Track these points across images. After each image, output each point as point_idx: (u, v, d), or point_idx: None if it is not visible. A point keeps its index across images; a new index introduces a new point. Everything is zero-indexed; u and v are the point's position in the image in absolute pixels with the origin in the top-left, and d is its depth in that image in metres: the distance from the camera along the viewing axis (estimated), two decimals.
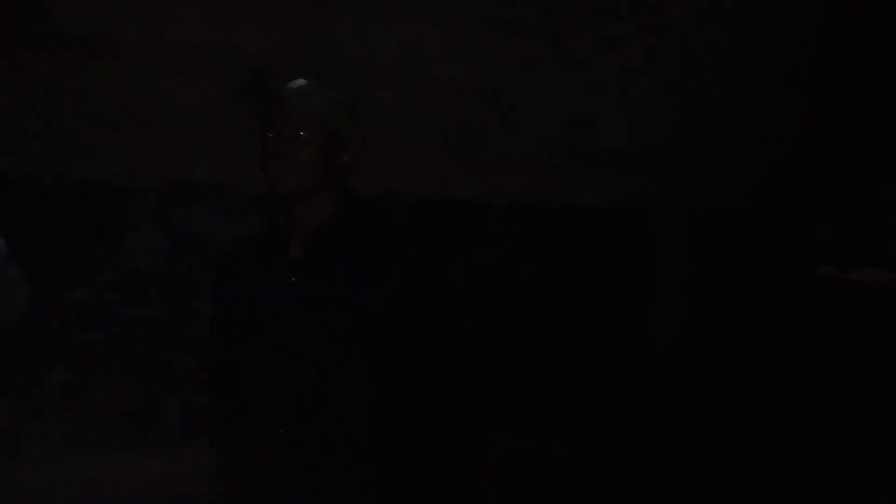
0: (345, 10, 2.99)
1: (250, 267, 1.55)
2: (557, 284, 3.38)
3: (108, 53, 2.63)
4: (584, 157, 3.43)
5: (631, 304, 3.54)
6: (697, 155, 3.68)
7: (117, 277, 2.66)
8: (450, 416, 1.52)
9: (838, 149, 4.03)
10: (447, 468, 1.51)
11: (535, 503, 3.30)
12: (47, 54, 2.55)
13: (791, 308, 4.01)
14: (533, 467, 3.28)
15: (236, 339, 1.53)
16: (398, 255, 1.49)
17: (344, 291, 1.47)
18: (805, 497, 3.67)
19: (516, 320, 3.30)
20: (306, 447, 1.46)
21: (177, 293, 2.72)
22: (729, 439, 3.78)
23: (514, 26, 3.28)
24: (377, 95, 3.03)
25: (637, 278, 3.54)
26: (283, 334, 1.48)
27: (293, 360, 1.47)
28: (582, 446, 3.40)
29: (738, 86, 3.74)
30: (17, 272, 1.83)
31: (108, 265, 2.65)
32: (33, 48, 2.55)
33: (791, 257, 3.99)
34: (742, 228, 3.85)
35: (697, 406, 3.71)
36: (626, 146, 3.51)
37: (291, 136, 1.46)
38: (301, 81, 1.49)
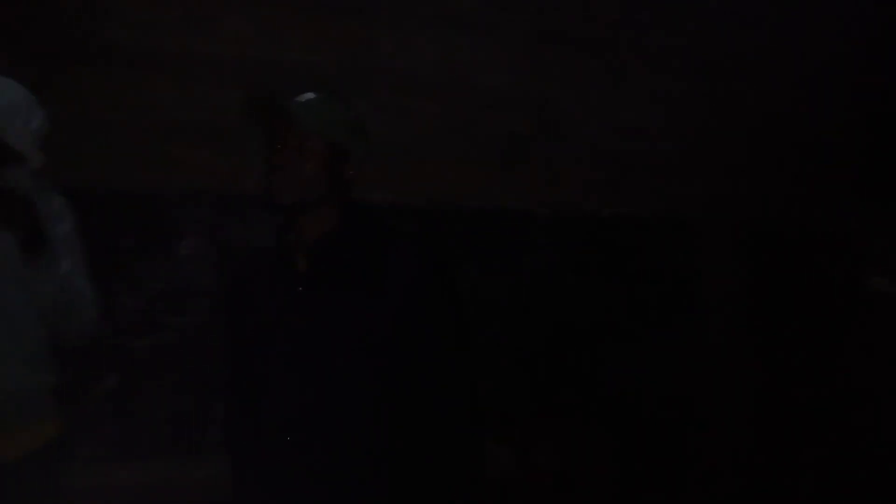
0: (389, 22, 3.01)
1: (260, 280, 1.58)
2: (602, 295, 3.35)
3: (160, 68, 2.70)
4: (629, 166, 3.40)
5: (678, 316, 3.49)
6: (744, 163, 3.63)
7: (167, 286, 2.72)
8: (459, 422, 1.50)
9: (891, 156, 3.93)
10: (458, 473, 1.49)
11: None
12: (102, 69, 2.63)
13: (843, 320, 3.92)
14: (579, 483, 3.25)
15: (249, 351, 1.56)
16: (404, 262, 1.50)
17: (349, 301, 1.48)
18: None
19: (560, 332, 3.28)
20: (316, 456, 1.47)
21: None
22: (779, 453, 3.70)
23: (557, 36, 3.27)
24: (421, 106, 3.05)
25: (684, 289, 3.50)
26: (291, 345, 1.50)
27: (301, 371, 1.49)
28: (628, 461, 3.36)
29: (786, 93, 3.68)
30: (91, 289, 1.89)
31: (158, 274, 2.70)
32: (89, 63, 2.62)
33: (842, 268, 3.90)
34: (791, 238, 3.78)
35: (747, 420, 3.64)
36: (672, 155, 3.48)
37: (294, 149, 1.48)
38: (309, 95, 1.51)
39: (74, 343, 1.94)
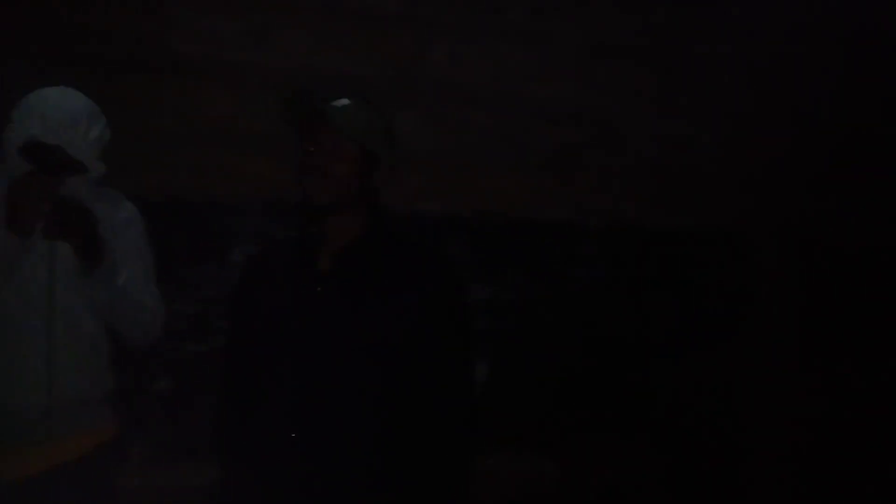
0: (441, 34, 3.03)
1: (276, 273, 1.60)
2: (652, 309, 3.31)
3: (218, 79, 2.75)
4: (682, 178, 3.36)
5: (729, 332, 3.43)
6: (800, 176, 3.55)
7: (219, 292, 2.76)
8: (455, 431, 1.54)
9: None
10: (443, 478, 1.54)
11: None
12: (162, 79, 2.69)
13: None
14: (625, 499, 3.21)
15: (254, 343, 1.57)
16: (424, 272, 1.55)
17: (368, 304, 1.51)
18: None
19: (608, 346, 3.25)
20: (319, 453, 1.49)
21: None
22: (831, 474, 3.61)
23: (609, 47, 3.25)
24: (471, 117, 3.06)
25: (735, 304, 3.43)
26: (303, 342, 1.51)
27: (311, 369, 1.50)
28: (676, 478, 3.31)
29: (847, 107, 3.59)
30: (155, 298, 1.93)
31: (211, 279, 2.75)
32: (147, 72, 2.68)
33: None
34: (846, 253, 3.68)
35: (798, 439, 3.56)
36: (727, 168, 3.42)
37: (330, 151, 1.51)
38: (343, 100, 1.54)
39: (138, 348, 1.99)
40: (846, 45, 3.61)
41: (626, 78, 3.28)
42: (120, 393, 2.02)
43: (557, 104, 3.17)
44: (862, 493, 3.64)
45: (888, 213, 3.72)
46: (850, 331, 3.70)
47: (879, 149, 3.70)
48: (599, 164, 3.24)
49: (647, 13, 3.29)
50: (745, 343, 3.45)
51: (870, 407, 3.73)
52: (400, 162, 1.63)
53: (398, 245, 1.60)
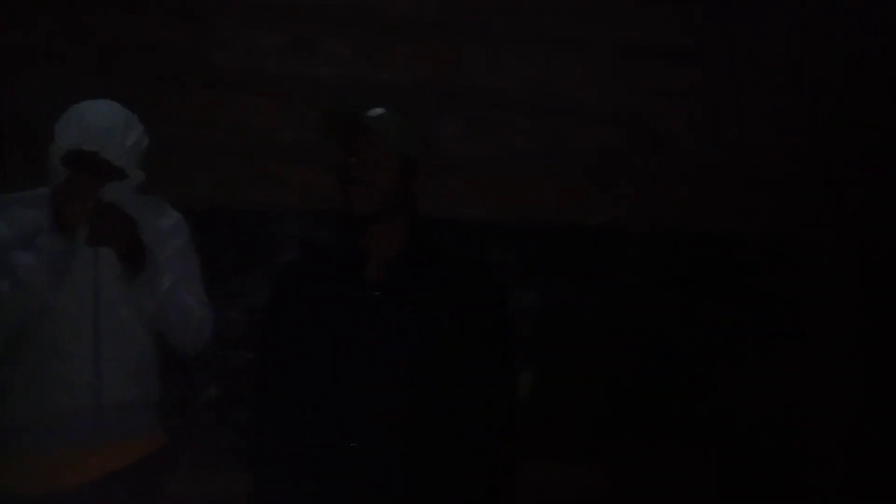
0: (480, 40, 3.04)
1: (319, 282, 1.59)
2: (700, 316, 3.24)
3: (262, 89, 2.80)
4: (728, 182, 3.30)
5: (781, 339, 3.34)
6: (853, 178, 3.46)
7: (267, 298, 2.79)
8: (501, 437, 1.57)
9: None
10: (496, 486, 1.56)
11: None
12: (204, 90, 2.74)
13: None
14: None
15: (300, 352, 1.56)
16: (469, 280, 1.58)
17: (423, 311, 1.53)
18: None
19: (656, 354, 3.20)
20: (381, 458, 1.49)
21: None
22: (887, 483, 3.50)
23: (651, 49, 3.21)
24: (512, 123, 3.05)
25: (787, 311, 3.35)
26: (360, 350, 1.52)
27: (369, 376, 1.51)
28: (726, 486, 3.24)
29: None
30: (202, 305, 1.96)
31: (258, 287, 2.78)
32: (194, 83, 2.74)
33: None
34: None
35: (855, 448, 3.46)
36: (774, 169, 3.35)
37: (372, 162, 1.52)
38: (380, 110, 1.55)
39: (187, 354, 2.02)
40: None
41: (668, 80, 3.24)
42: (170, 400, 2.05)
43: (599, 108, 3.14)
44: None
45: None
46: None
47: None
48: (643, 168, 3.20)
49: (688, 13, 3.25)
50: (801, 349, 3.37)
51: None
52: (437, 168, 1.64)
53: (442, 253, 1.61)
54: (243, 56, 2.79)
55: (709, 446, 3.24)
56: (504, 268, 2.97)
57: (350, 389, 1.51)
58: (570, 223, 3.11)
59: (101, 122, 1.80)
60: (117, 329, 1.84)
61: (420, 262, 1.57)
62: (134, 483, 1.84)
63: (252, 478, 1.60)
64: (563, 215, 3.11)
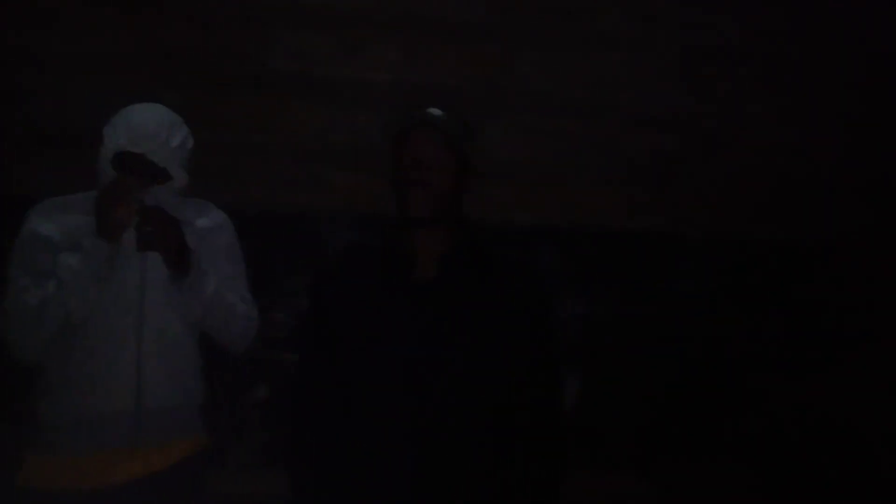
0: (532, 42, 3.01)
1: (366, 284, 1.57)
2: (757, 325, 3.16)
3: (311, 93, 2.82)
4: (787, 187, 3.21)
5: (840, 348, 3.24)
6: None
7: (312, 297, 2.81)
8: (548, 441, 1.56)
9: None
10: (543, 491, 1.55)
11: None
12: (255, 93, 2.77)
13: None
14: None
15: (348, 353, 1.55)
16: (514, 283, 1.57)
17: (471, 311, 1.52)
18: None
19: (708, 364, 3.12)
20: (434, 454, 1.47)
21: None
22: None
23: (706, 51, 3.15)
24: (564, 126, 3.02)
25: (847, 320, 3.25)
26: (416, 348, 1.50)
27: (413, 378, 1.49)
28: (777, 501, 3.15)
29: None
30: (247, 305, 1.98)
31: (306, 289, 2.80)
32: (243, 87, 2.78)
33: None
34: None
35: None
36: (839, 175, 3.25)
37: (432, 163, 1.52)
38: (437, 111, 1.55)
39: (234, 354, 2.03)
40: None
41: (722, 83, 3.17)
42: (217, 400, 2.06)
43: (651, 111, 3.08)
44: None
45: None
46: None
47: None
48: (696, 172, 3.14)
49: (744, 15, 3.18)
50: (858, 359, 3.26)
51: None
52: (486, 172, 1.64)
53: (489, 255, 1.61)
54: (293, 60, 2.82)
55: (760, 461, 3.15)
56: (554, 274, 2.94)
57: (397, 388, 1.51)
58: (621, 229, 3.06)
59: (146, 125, 1.83)
60: (160, 332, 1.86)
61: (468, 262, 1.57)
62: (174, 485, 1.86)
63: (294, 481, 1.59)
64: (614, 221, 3.06)
